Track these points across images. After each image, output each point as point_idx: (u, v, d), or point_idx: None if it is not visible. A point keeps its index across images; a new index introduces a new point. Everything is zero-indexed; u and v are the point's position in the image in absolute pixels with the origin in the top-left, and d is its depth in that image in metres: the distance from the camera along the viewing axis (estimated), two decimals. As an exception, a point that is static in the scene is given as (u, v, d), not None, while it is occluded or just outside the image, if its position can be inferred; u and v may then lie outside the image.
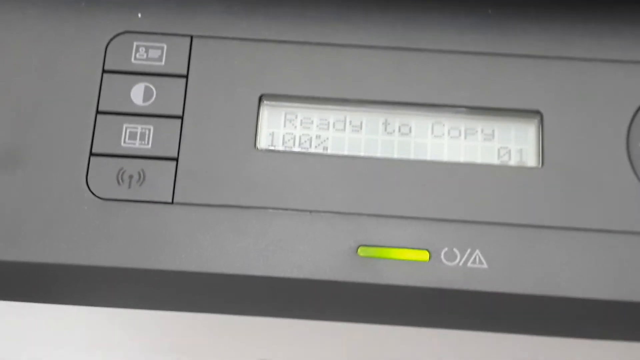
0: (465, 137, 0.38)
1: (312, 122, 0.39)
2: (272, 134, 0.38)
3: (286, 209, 0.37)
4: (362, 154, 0.38)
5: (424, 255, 0.36)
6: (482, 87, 0.38)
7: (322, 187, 0.37)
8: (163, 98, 0.38)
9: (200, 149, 0.38)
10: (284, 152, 0.38)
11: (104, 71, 0.38)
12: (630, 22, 0.39)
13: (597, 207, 0.37)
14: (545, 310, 0.36)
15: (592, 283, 0.36)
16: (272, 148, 0.38)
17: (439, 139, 0.38)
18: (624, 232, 0.36)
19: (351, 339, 0.46)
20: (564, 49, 0.39)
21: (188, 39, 0.39)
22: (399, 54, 0.39)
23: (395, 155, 0.38)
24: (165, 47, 0.39)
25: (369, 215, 0.37)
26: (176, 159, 0.37)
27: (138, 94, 0.38)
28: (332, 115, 0.39)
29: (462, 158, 0.38)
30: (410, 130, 0.38)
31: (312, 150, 0.38)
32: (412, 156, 0.38)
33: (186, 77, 0.38)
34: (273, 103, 0.39)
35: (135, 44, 0.39)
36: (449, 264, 0.36)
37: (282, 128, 0.39)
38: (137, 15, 0.39)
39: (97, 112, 0.38)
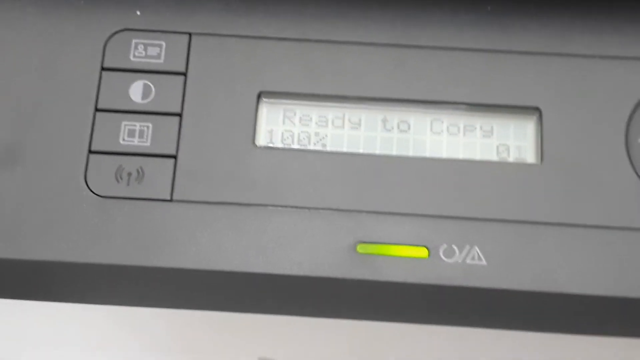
0: (464, 134, 0.38)
1: (310, 119, 0.39)
2: (271, 131, 0.38)
3: (285, 206, 0.37)
4: (360, 151, 0.38)
5: (422, 252, 0.36)
6: (481, 83, 0.38)
7: (320, 184, 0.37)
8: (162, 96, 0.38)
9: (199, 147, 0.38)
10: (282, 150, 0.38)
11: (102, 69, 0.38)
12: (628, 18, 0.39)
13: (595, 204, 0.37)
14: (544, 306, 0.36)
15: (591, 279, 0.36)
16: (271, 145, 0.38)
17: (438, 136, 0.38)
18: (623, 228, 0.36)
19: (351, 336, 0.46)
20: (563, 46, 0.39)
21: (187, 37, 0.39)
22: (398, 51, 0.39)
23: (394, 152, 0.38)
24: (164, 44, 0.39)
25: (367, 212, 0.37)
26: (175, 157, 0.37)
27: (137, 91, 0.38)
28: (331, 112, 0.39)
29: (461, 155, 0.38)
30: (409, 127, 0.38)
31: (311, 147, 0.38)
32: (410, 153, 0.38)
33: (185, 74, 0.38)
34: (272, 100, 0.39)
35: (134, 41, 0.39)
36: (448, 260, 0.36)
37: (280, 125, 0.39)
38: (136, 13, 0.39)
39: (96, 109, 0.38)
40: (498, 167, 0.37)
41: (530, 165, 0.38)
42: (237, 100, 0.38)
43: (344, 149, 0.38)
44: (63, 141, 0.37)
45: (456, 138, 0.38)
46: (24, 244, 0.36)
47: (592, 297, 0.36)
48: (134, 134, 0.38)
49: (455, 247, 0.36)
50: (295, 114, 0.39)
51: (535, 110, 0.38)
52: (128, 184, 0.37)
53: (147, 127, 0.38)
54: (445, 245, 0.36)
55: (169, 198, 0.37)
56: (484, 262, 0.36)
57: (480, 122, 0.38)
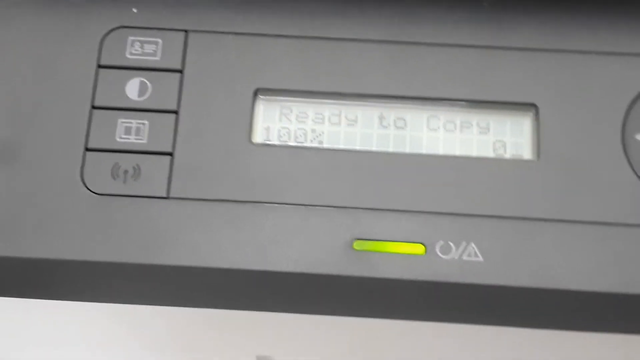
0: (460, 131, 0.38)
1: (307, 116, 0.39)
2: (268, 128, 0.38)
3: (282, 203, 0.37)
4: (357, 147, 0.38)
5: (419, 249, 0.36)
6: (477, 80, 0.38)
7: (317, 181, 0.37)
8: (158, 93, 0.38)
9: (195, 144, 0.38)
10: (279, 147, 0.38)
11: (99, 66, 0.38)
12: (625, 14, 0.39)
13: (592, 200, 0.37)
14: (541, 302, 0.36)
15: (588, 275, 0.36)
16: (268, 142, 0.38)
17: (435, 133, 0.38)
18: (620, 224, 0.36)
19: (349, 333, 0.46)
20: (559, 42, 0.38)
21: (183, 34, 0.39)
22: (394, 48, 0.39)
23: (391, 149, 0.38)
24: (160, 41, 0.39)
25: (364, 209, 0.37)
26: (171, 154, 0.37)
27: (133, 88, 0.38)
28: (328, 109, 0.39)
29: (457, 151, 0.38)
30: (405, 124, 0.38)
31: (308, 144, 0.38)
32: (407, 150, 0.38)
33: (181, 71, 0.38)
34: (268, 97, 0.39)
35: (130, 38, 0.39)
36: (445, 257, 0.36)
37: (277, 122, 0.39)
38: (132, 10, 0.39)
39: (92, 107, 0.38)
40: (495, 163, 0.37)
41: (527, 161, 0.37)
42: (234, 97, 0.38)
43: (341, 146, 0.38)
44: (59, 139, 0.37)
45: (453, 134, 0.38)
46: (20, 241, 0.36)
47: (588, 293, 0.35)
48: (131, 131, 0.38)
49: (451, 244, 0.36)
50: (291, 111, 0.39)
51: (532, 107, 0.38)
52: (125, 182, 0.37)
53: (144, 124, 0.38)
54: (441, 242, 0.36)
55: (165, 195, 0.37)
56: (480, 258, 0.36)
57: (476, 118, 0.38)
